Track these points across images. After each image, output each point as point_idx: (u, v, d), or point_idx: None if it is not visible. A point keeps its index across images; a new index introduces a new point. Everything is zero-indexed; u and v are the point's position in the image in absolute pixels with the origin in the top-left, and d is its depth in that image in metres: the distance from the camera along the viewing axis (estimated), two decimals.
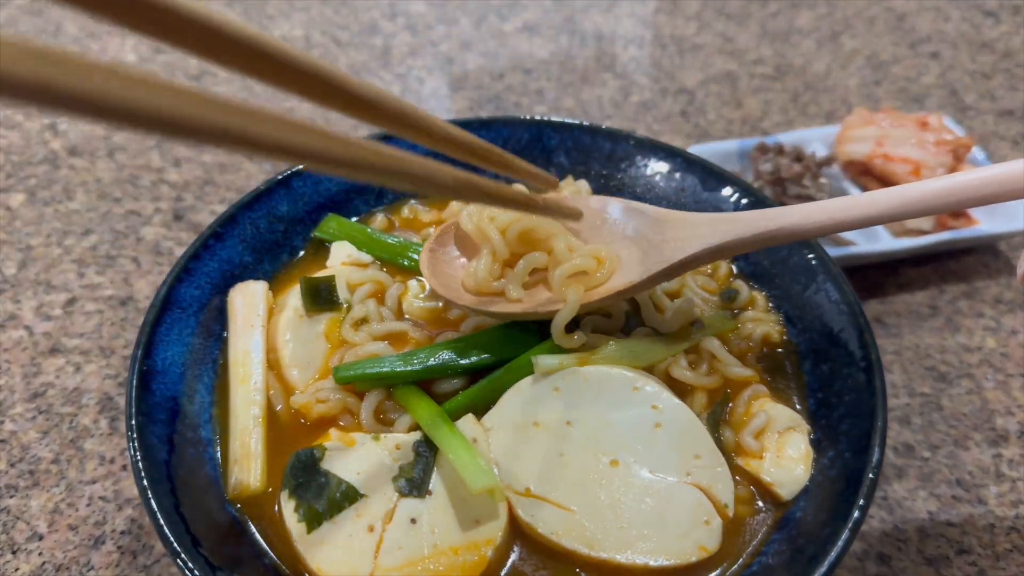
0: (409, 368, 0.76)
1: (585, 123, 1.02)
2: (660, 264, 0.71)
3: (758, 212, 0.69)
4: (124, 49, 1.61)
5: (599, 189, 1.02)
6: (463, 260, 0.83)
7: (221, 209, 1.25)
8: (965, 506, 0.91)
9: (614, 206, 0.79)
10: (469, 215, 0.79)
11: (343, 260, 0.92)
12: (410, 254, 0.91)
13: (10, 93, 0.24)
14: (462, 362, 0.77)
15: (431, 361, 0.77)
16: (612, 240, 0.77)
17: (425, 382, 0.77)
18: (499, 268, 0.78)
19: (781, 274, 0.89)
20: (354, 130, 1.45)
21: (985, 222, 1.20)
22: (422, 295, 0.88)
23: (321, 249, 0.95)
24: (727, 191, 0.95)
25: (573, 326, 0.76)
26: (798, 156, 1.22)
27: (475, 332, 0.81)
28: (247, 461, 0.74)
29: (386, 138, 0.99)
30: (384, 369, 0.76)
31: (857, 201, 0.65)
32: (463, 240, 0.83)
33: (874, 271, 1.20)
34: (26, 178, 1.29)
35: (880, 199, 0.64)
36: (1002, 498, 0.92)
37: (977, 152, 1.26)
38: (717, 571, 0.69)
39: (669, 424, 0.73)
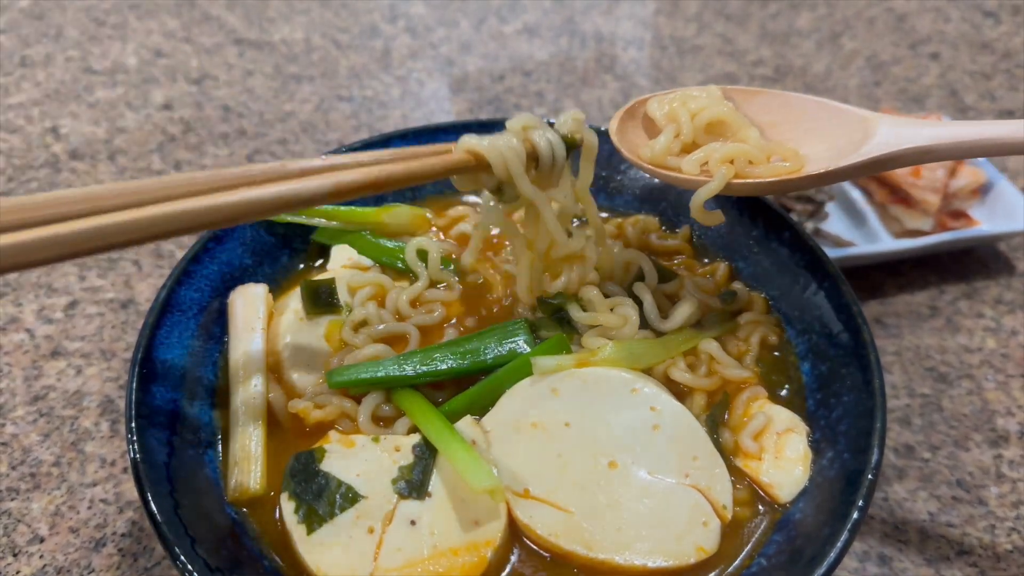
0: (404, 372, 0.76)
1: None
2: (857, 158, 0.71)
3: (963, 123, 0.70)
4: (125, 53, 1.62)
5: (599, 190, 1.02)
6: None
7: None
8: (965, 507, 0.91)
9: (812, 104, 0.80)
10: (660, 102, 0.82)
11: (343, 263, 0.92)
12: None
13: None
14: (459, 364, 0.77)
15: (426, 364, 0.77)
16: (808, 138, 0.78)
17: (423, 384, 0.77)
18: (678, 146, 0.79)
19: (780, 275, 0.89)
20: (355, 132, 1.45)
21: (985, 222, 1.20)
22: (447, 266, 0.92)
23: (321, 252, 0.95)
24: None
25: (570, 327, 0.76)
26: None
27: (472, 334, 0.81)
28: (247, 463, 0.74)
29: (387, 140, 0.99)
30: (378, 374, 0.76)
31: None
32: (649, 125, 0.84)
33: (874, 272, 1.19)
34: (27, 181, 1.30)
35: None
36: (1003, 499, 0.92)
37: None
38: (715, 572, 0.69)
39: (667, 426, 0.73)
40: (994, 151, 0.67)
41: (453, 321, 0.87)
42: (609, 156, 1.02)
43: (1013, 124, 0.66)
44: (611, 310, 0.82)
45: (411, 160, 0.69)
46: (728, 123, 0.78)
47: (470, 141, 0.73)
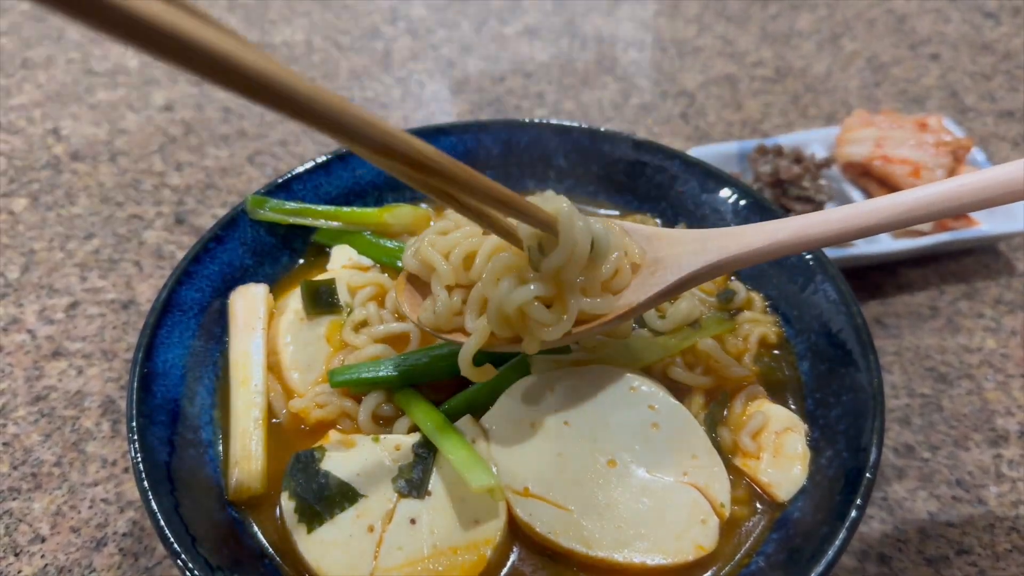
0: (405, 371, 0.76)
1: (585, 126, 1.02)
2: (655, 286, 0.68)
3: (755, 226, 0.68)
4: (126, 54, 1.62)
5: (598, 189, 1.03)
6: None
7: (222, 212, 1.25)
8: (965, 506, 0.91)
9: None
10: (413, 252, 0.72)
11: (344, 263, 0.93)
12: None
13: None
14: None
15: (427, 364, 0.77)
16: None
17: (422, 384, 0.78)
18: (459, 300, 0.69)
19: (778, 275, 0.89)
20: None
21: (985, 223, 1.20)
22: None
23: (321, 253, 0.96)
24: (726, 193, 0.95)
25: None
26: (797, 158, 1.22)
27: None
28: (247, 462, 0.74)
29: None
30: (380, 373, 0.76)
31: (857, 210, 0.63)
32: (418, 284, 0.75)
33: (874, 272, 1.20)
34: (29, 183, 1.30)
35: (881, 206, 0.62)
36: (1002, 498, 0.92)
37: (977, 153, 1.26)
38: (713, 570, 0.69)
39: (666, 424, 0.73)
40: (796, 250, 0.67)
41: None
42: (608, 157, 1.02)
43: (801, 220, 0.66)
44: None
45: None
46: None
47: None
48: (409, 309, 0.73)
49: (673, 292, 0.69)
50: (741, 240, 0.67)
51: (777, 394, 0.82)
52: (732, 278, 0.93)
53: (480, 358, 0.68)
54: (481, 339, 0.66)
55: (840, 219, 0.64)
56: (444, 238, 0.70)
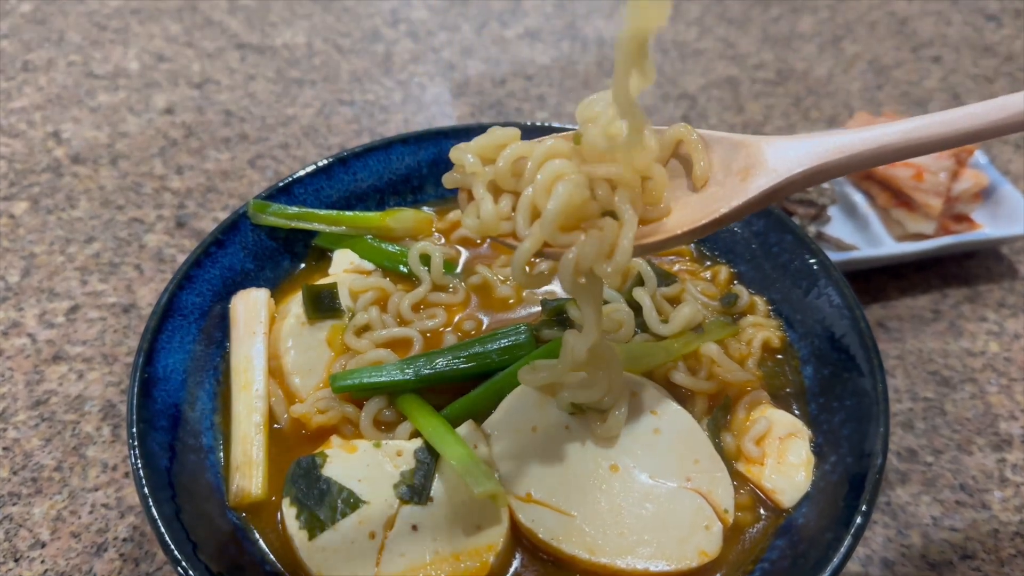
0: (407, 376, 0.76)
1: None
2: (749, 192, 0.62)
3: (857, 131, 0.62)
4: (127, 57, 1.62)
5: None
6: None
7: (223, 216, 1.25)
8: (969, 511, 0.91)
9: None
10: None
11: (345, 267, 0.92)
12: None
13: None
14: (460, 368, 0.77)
15: (428, 369, 0.77)
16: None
17: (424, 389, 0.77)
18: (508, 206, 0.63)
19: (781, 279, 0.88)
20: (356, 136, 1.45)
21: (987, 226, 1.20)
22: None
23: (323, 257, 0.95)
24: None
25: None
26: None
27: (473, 338, 0.81)
28: (249, 468, 0.74)
29: (389, 144, 0.99)
30: (382, 378, 0.76)
31: (960, 113, 0.59)
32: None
33: (877, 276, 1.19)
34: (29, 186, 1.30)
35: (983, 110, 0.58)
36: (1006, 503, 0.92)
37: (979, 156, 1.25)
38: None
39: (668, 429, 0.73)
40: (897, 157, 0.62)
41: (456, 319, 0.87)
42: None
43: (901, 127, 0.61)
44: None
45: None
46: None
47: None
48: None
49: (767, 199, 0.63)
50: (843, 144, 0.61)
51: (780, 399, 0.81)
52: (735, 282, 0.92)
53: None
54: (535, 245, 0.60)
55: (944, 122, 0.59)
56: (493, 140, 0.65)
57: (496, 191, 0.64)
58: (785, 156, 0.62)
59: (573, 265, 0.59)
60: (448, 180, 0.66)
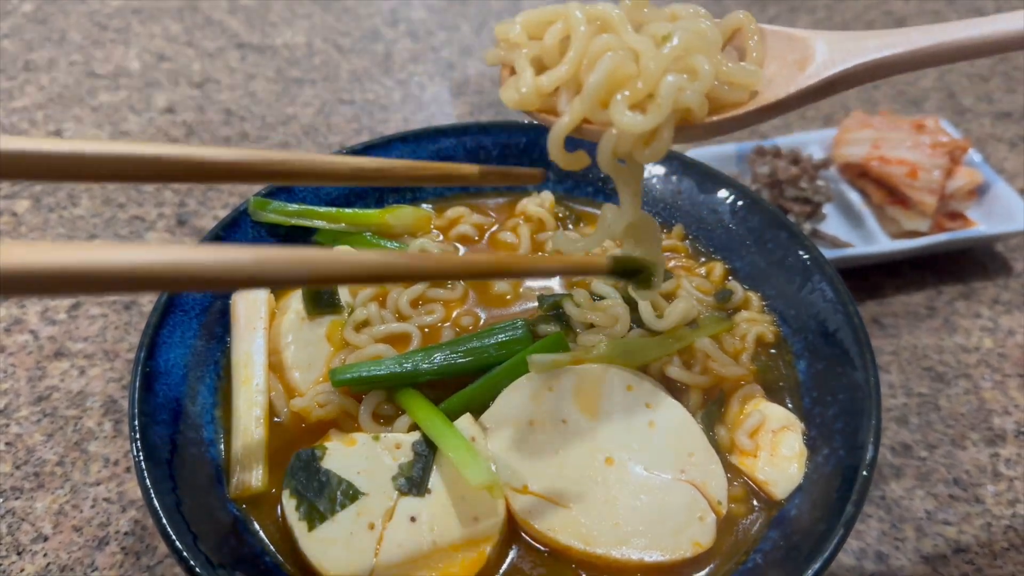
0: (405, 370, 0.77)
1: None
2: (806, 81, 0.61)
3: (917, 28, 0.61)
4: (128, 57, 1.63)
5: (598, 192, 1.03)
6: None
7: (224, 214, 1.26)
8: (962, 505, 0.92)
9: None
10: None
11: None
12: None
13: None
14: (458, 363, 0.78)
15: (426, 363, 0.77)
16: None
17: (423, 383, 0.78)
18: (547, 80, 0.61)
19: (776, 275, 0.89)
20: (356, 135, 1.46)
21: (982, 223, 1.21)
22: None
23: None
24: (723, 193, 0.96)
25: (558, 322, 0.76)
26: (795, 159, 1.23)
27: (469, 334, 0.82)
28: (249, 461, 0.75)
29: (388, 143, 1.00)
30: (381, 372, 0.77)
31: (993, 19, 0.59)
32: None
33: (872, 272, 1.20)
34: (31, 184, 1.31)
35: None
36: (999, 497, 0.93)
37: (974, 154, 1.26)
38: (711, 566, 0.69)
39: (663, 422, 0.73)
40: (955, 56, 0.61)
41: (454, 315, 0.88)
42: None
43: (972, 24, 0.60)
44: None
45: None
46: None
47: None
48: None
49: (825, 90, 0.62)
50: (903, 39, 0.61)
51: (774, 393, 0.82)
52: (729, 278, 0.93)
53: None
54: (575, 120, 0.60)
55: (994, 20, 0.59)
56: (542, 15, 0.63)
57: (540, 68, 0.62)
58: (843, 48, 0.62)
59: (613, 144, 0.59)
60: (491, 56, 0.66)
